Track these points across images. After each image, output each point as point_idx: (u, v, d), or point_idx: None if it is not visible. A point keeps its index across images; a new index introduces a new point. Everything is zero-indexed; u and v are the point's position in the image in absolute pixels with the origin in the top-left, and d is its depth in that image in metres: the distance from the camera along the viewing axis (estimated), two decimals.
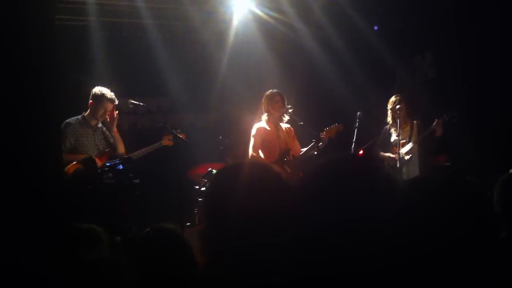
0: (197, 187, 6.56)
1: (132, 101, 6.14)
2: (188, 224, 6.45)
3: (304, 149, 6.21)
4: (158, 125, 6.41)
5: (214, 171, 6.07)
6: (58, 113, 3.92)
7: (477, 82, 6.59)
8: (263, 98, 6.18)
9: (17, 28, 3.38)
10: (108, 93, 5.72)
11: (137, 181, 5.60)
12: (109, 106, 5.72)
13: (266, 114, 6.15)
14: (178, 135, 6.08)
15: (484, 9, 6.46)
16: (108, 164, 5.48)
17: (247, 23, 7.84)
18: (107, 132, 5.88)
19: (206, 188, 6.01)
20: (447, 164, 6.58)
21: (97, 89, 5.73)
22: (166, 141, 6.04)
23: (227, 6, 7.59)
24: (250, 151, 6.04)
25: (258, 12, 7.69)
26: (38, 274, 1.41)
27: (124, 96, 6.61)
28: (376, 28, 8.10)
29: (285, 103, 6.12)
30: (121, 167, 5.47)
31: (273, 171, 1.69)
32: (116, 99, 5.78)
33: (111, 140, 5.82)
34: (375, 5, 7.56)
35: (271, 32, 8.15)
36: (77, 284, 1.64)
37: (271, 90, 6.18)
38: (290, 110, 6.16)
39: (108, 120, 5.77)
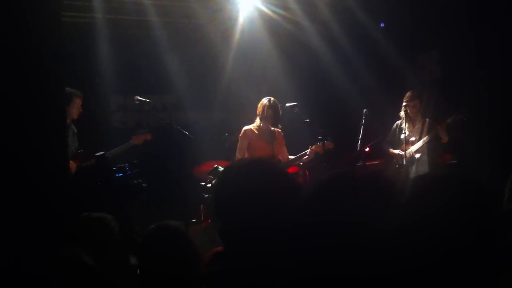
0: (203, 183, 6.57)
1: (138, 98, 6.16)
2: (194, 220, 6.47)
3: (292, 157, 6.30)
4: (164, 122, 6.42)
5: (220, 167, 6.08)
6: (63, 109, 3.93)
7: (484, 80, 6.55)
8: (260, 104, 6.19)
9: (23, 25, 3.39)
10: (73, 90, 5.75)
11: (145, 185, 5.62)
12: (79, 102, 5.80)
13: (259, 119, 6.21)
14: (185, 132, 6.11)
15: (492, 7, 6.43)
16: (114, 168, 5.52)
17: (253, 20, 7.83)
18: (75, 130, 5.89)
19: (213, 184, 6.04)
20: (453, 162, 6.55)
21: None
22: (136, 141, 6.03)
23: (233, 3, 7.59)
24: (237, 154, 6.19)
25: (264, 9, 7.68)
26: (39, 274, 1.41)
27: (130, 93, 6.62)
28: (383, 25, 8.07)
29: (279, 114, 6.15)
30: (128, 170, 5.49)
31: (280, 169, 1.69)
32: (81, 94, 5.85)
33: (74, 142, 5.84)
34: (381, 2, 7.53)
35: (276, 30, 8.14)
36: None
37: (267, 100, 6.15)
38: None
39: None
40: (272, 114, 6.10)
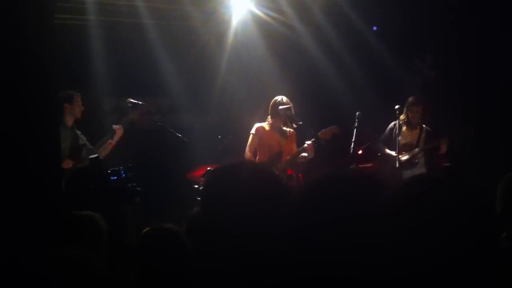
0: (196, 186, 6.55)
1: (131, 100, 6.13)
2: None
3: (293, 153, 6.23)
4: (157, 125, 6.40)
5: None
6: (56, 112, 3.92)
7: (477, 84, 6.59)
8: (272, 102, 6.19)
9: (16, 27, 3.38)
10: (73, 91, 5.85)
11: (139, 189, 5.60)
12: (80, 101, 5.88)
13: (270, 117, 6.20)
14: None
15: (485, 11, 6.47)
16: (109, 171, 5.50)
17: (246, 23, 7.84)
18: (78, 132, 5.91)
19: (202, 186, 6.02)
20: (446, 164, 6.58)
21: (63, 93, 5.75)
22: (136, 117, 6.03)
23: (226, 6, 7.59)
24: (246, 150, 6.19)
25: (258, 12, 7.69)
26: (38, 274, 1.40)
27: (123, 96, 6.60)
28: (375, 29, 8.11)
29: (292, 113, 6.13)
30: (123, 174, 5.47)
31: (268, 171, 1.70)
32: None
33: (86, 142, 5.88)
34: (375, 6, 7.56)
35: (270, 33, 8.15)
36: None
37: (280, 99, 6.14)
38: (289, 112, 6.18)
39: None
40: (284, 113, 6.11)
